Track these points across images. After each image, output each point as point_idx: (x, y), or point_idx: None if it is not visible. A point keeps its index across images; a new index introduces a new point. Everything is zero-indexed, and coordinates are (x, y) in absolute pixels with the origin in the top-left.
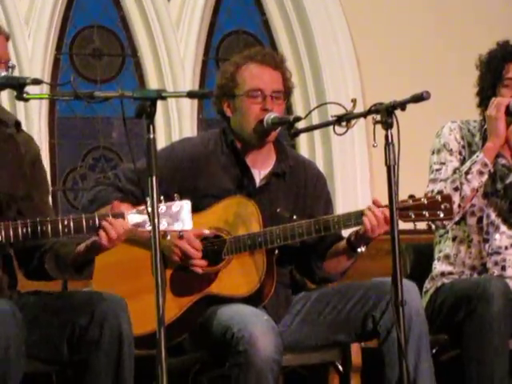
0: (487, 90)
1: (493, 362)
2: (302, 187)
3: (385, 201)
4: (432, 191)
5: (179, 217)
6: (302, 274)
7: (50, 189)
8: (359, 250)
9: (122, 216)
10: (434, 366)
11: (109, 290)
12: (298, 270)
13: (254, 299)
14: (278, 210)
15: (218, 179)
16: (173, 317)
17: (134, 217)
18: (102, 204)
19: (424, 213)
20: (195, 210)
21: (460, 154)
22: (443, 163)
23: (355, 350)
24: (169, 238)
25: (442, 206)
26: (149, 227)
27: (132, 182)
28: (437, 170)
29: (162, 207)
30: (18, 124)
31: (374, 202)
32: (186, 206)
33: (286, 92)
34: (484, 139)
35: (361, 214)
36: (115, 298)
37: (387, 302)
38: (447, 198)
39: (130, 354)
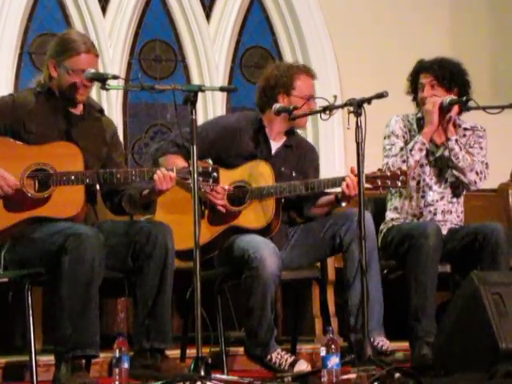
0: (413, 92)
1: (426, 280)
2: (302, 156)
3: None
4: (386, 164)
5: (211, 176)
6: (295, 212)
7: (124, 153)
8: (343, 204)
9: (172, 170)
10: (385, 283)
11: (164, 219)
12: (294, 210)
13: (264, 232)
14: (282, 169)
15: (247, 146)
16: (206, 240)
17: (182, 173)
18: (163, 153)
19: (387, 181)
20: (230, 166)
21: (403, 137)
22: (393, 144)
23: (330, 269)
24: (203, 189)
25: (400, 178)
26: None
27: (185, 139)
28: (388, 149)
29: (200, 168)
30: (101, 110)
31: (352, 170)
32: (215, 169)
33: None
34: (419, 126)
35: (342, 179)
36: (164, 225)
37: (349, 225)
38: (404, 173)
39: (172, 262)
